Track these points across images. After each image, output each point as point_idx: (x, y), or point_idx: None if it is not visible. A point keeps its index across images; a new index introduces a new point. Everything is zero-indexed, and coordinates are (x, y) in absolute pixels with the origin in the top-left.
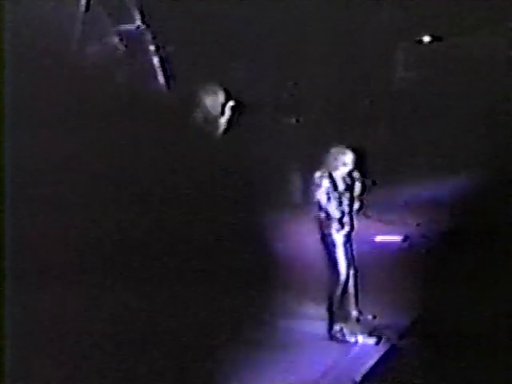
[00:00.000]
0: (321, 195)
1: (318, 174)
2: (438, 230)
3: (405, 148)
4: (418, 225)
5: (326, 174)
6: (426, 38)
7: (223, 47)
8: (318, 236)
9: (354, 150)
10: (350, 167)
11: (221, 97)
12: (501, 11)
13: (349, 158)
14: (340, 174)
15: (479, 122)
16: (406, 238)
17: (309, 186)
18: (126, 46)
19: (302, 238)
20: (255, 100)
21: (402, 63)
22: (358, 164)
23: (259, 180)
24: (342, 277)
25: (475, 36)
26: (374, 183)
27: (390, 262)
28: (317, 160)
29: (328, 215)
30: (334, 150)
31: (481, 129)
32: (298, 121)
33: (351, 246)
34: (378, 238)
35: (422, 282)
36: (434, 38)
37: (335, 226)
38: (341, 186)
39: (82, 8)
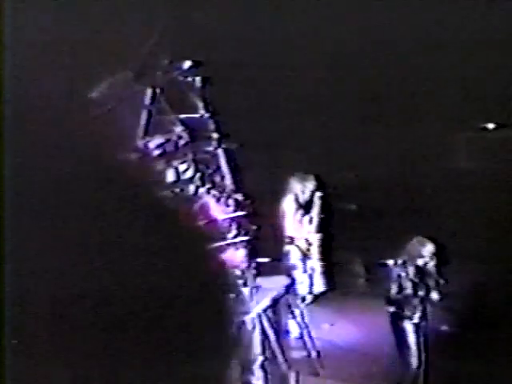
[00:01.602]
0: (393, 285)
1: (391, 263)
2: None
3: (470, 240)
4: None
5: (401, 264)
6: (491, 125)
7: (287, 138)
8: (387, 326)
9: (433, 242)
10: (427, 259)
11: (311, 185)
12: None
13: (428, 250)
14: (416, 264)
15: None
16: None
17: (377, 276)
18: (189, 135)
19: (371, 328)
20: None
21: (465, 153)
22: (436, 257)
23: None
24: (413, 367)
25: None
26: (447, 282)
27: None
28: (387, 248)
29: (399, 304)
30: (415, 240)
31: None
32: (360, 207)
33: (422, 334)
34: (444, 327)
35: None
36: (499, 125)
37: (407, 313)
38: (415, 278)
39: (148, 100)
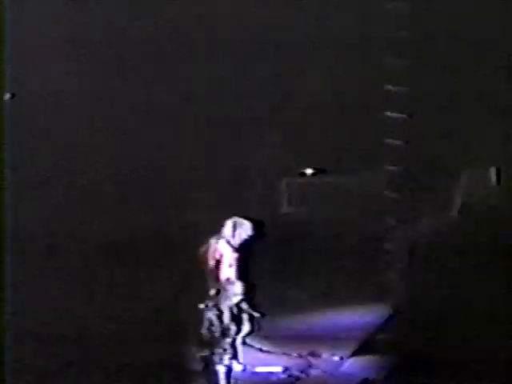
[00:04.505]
0: (204, 328)
1: (202, 307)
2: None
3: (290, 280)
4: (300, 356)
5: (212, 306)
6: (309, 171)
7: None
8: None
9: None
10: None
11: None
12: (380, 152)
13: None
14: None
15: (365, 258)
16: (285, 370)
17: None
18: None
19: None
20: None
21: (286, 198)
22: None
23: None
24: None
25: (356, 173)
26: (262, 315)
27: None
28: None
29: (210, 347)
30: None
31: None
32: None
33: (231, 375)
34: (258, 369)
35: None
36: (317, 171)
37: (217, 356)
38: (227, 318)
39: None
